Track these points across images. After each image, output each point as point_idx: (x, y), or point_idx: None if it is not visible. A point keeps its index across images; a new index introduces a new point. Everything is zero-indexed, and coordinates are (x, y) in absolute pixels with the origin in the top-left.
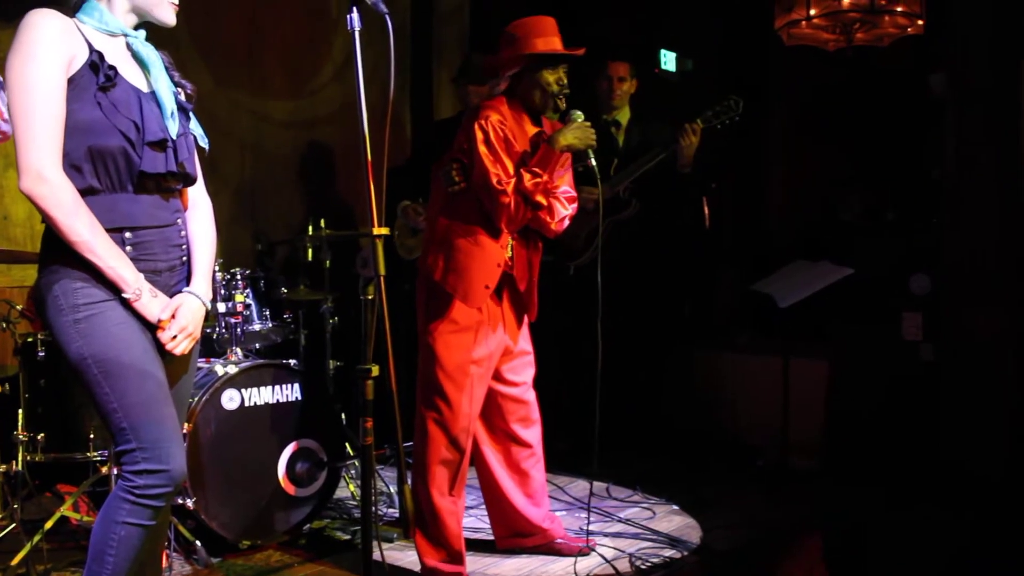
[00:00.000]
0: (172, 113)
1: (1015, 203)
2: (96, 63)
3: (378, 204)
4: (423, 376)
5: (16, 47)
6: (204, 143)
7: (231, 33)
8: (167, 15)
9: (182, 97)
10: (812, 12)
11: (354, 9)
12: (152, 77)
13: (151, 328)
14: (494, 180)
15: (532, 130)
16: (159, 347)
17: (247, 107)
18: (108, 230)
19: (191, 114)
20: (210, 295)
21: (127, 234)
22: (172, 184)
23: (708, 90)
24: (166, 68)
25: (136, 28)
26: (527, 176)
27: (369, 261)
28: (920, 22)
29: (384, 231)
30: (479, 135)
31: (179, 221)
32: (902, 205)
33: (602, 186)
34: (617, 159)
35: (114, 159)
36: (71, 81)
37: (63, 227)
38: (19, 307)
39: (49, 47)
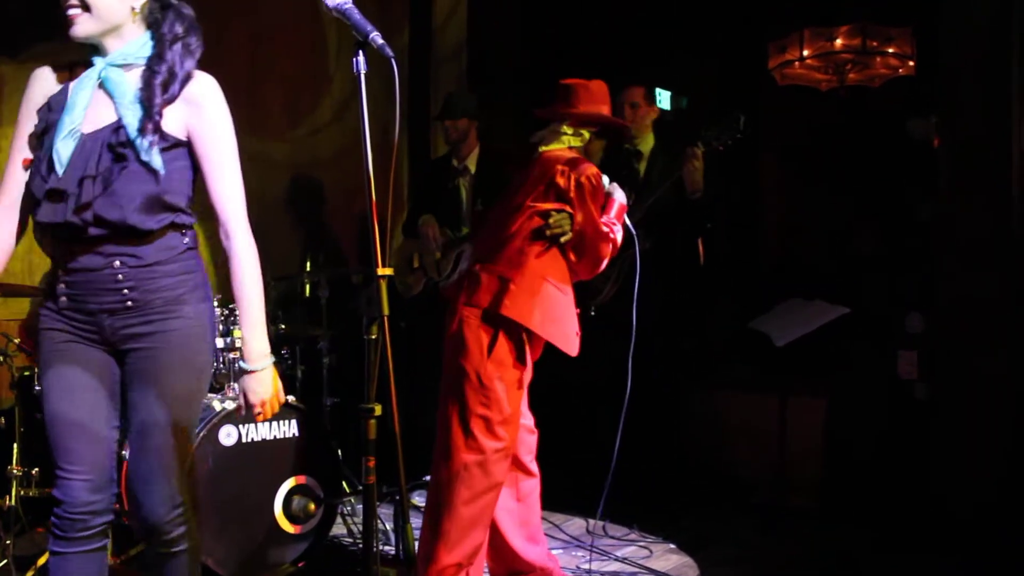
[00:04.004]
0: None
1: (1008, 244)
2: (41, 111)
3: (382, 244)
4: (469, 418)
5: None
6: (159, 169)
7: (231, 68)
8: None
9: (133, 131)
10: (805, 53)
11: (360, 52)
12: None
13: (87, 337)
14: (604, 230)
15: None
16: (119, 362)
17: (246, 142)
18: (52, 265)
19: (145, 149)
20: (264, 350)
21: (60, 271)
22: (85, 234)
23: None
24: (140, 94)
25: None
26: (613, 227)
27: (373, 301)
28: (911, 63)
29: (388, 271)
30: (588, 187)
31: (116, 264)
32: (896, 244)
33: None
34: (635, 192)
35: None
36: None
37: None
38: (16, 340)
39: (23, 104)
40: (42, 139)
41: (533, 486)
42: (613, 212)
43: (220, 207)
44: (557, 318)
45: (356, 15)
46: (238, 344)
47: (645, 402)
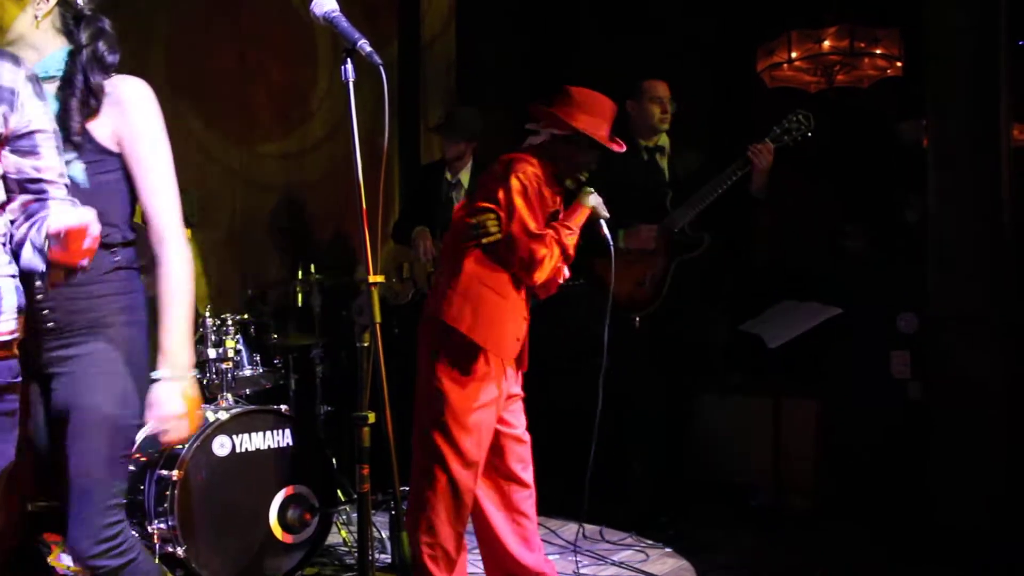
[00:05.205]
0: None
1: (999, 244)
2: None
3: (373, 251)
4: (428, 422)
5: None
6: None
7: (222, 74)
8: None
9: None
10: (794, 55)
11: (348, 60)
12: None
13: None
14: (534, 231)
15: (553, 189)
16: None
17: (237, 149)
18: None
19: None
20: (186, 361)
21: None
22: None
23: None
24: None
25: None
26: (563, 230)
27: (365, 309)
28: (899, 64)
29: (379, 279)
30: (516, 186)
31: (37, 283)
32: (887, 244)
33: (667, 218)
34: (670, 191)
35: None
36: None
37: None
38: None
39: None
40: None
41: (526, 497)
42: (575, 217)
43: (151, 213)
44: (490, 322)
45: (344, 23)
46: (231, 354)
47: (662, 408)
